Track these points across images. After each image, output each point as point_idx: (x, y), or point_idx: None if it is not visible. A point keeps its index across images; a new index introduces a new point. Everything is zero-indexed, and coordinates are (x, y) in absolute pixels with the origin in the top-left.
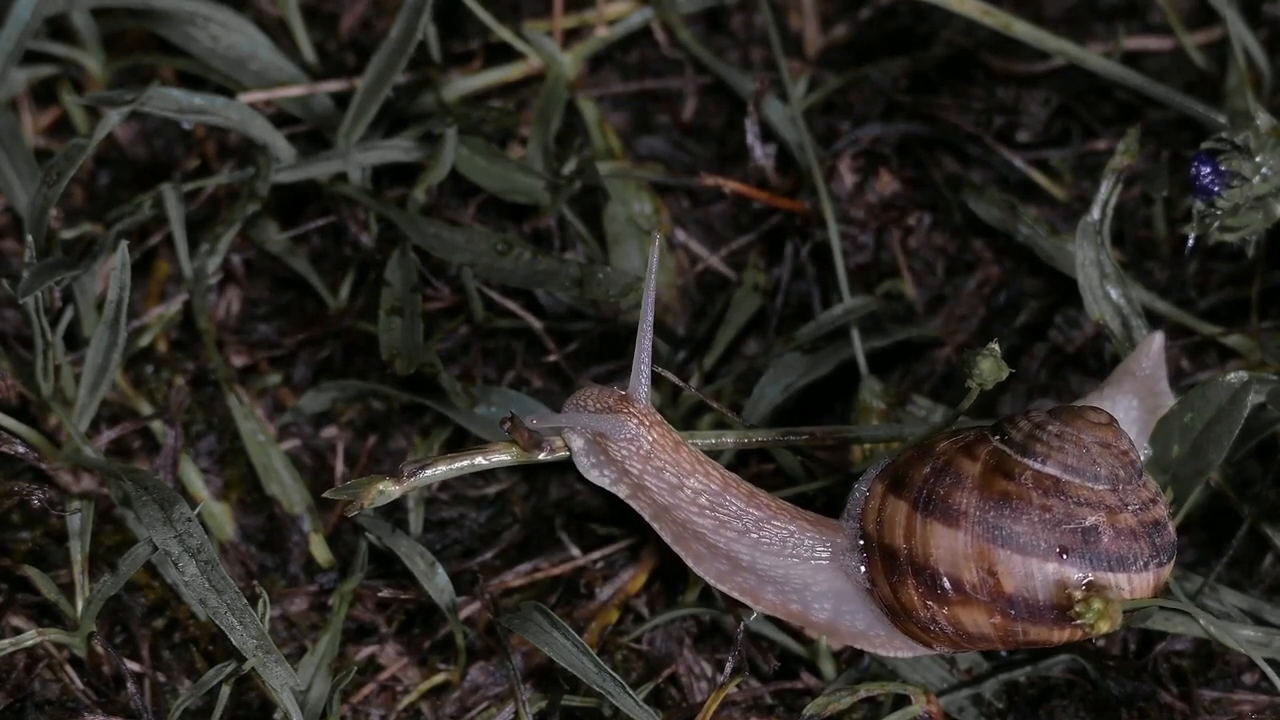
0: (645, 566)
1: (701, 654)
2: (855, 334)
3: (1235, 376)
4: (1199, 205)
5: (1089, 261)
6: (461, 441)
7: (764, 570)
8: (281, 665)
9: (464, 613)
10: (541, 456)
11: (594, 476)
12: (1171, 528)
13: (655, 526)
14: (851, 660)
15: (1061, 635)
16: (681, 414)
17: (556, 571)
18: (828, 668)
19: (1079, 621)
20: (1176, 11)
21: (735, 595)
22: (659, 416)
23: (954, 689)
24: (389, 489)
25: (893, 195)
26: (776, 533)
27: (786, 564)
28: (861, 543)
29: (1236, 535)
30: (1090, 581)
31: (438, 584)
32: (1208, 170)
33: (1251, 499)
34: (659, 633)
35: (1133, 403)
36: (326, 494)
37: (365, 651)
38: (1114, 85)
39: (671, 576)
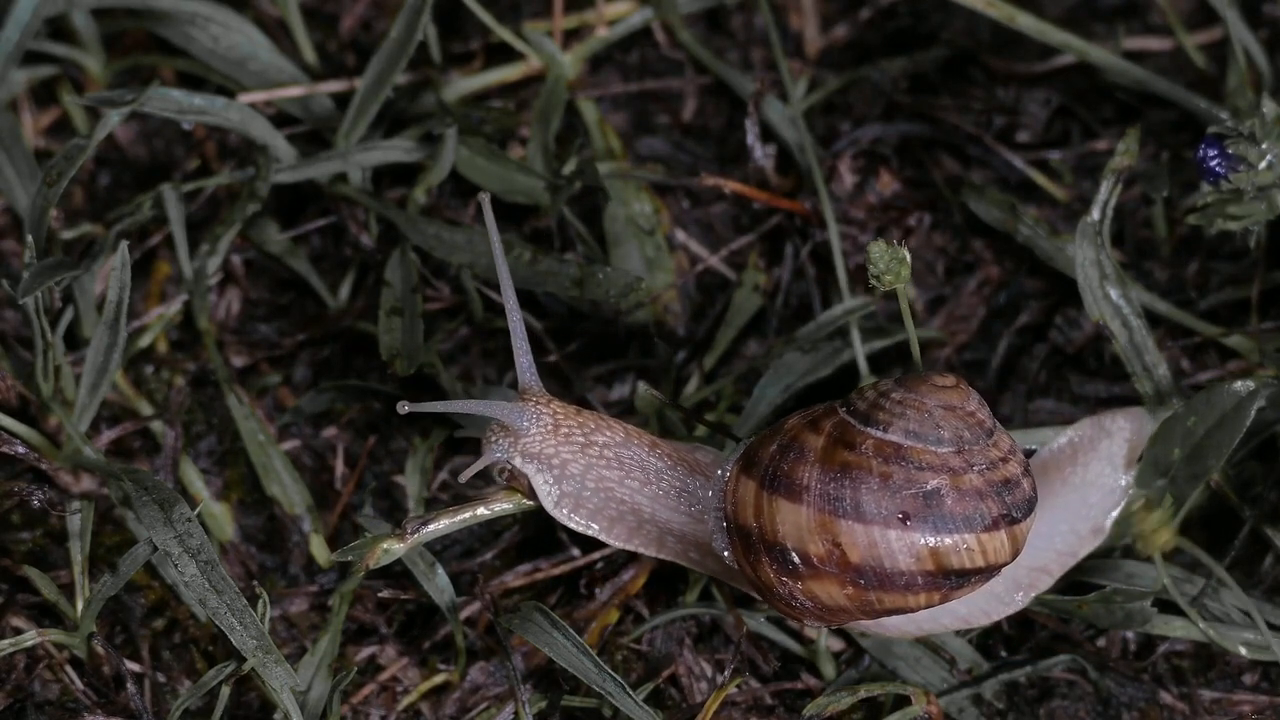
0: (645, 566)
1: (702, 654)
2: (855, 334)
3: (1242, 384)
4: (1205, 189)
5: (1089, 262)
6: (462, 443)
7: (664, 523)
8: (281, 666)
9: (464, 613)
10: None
11: (557, 512)
12: (1027, 484)
13: (606, 537)
14: (852, 661)
15: (918, 600)
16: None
17: (556, 571)
18: (828, 668)
19: None
20: (1176, 11)
21: (641, 550)
22: (552, 397)
23: (954, 689)
24: (393, 547)
25: (893, 195)
26: (673, 484)
27: (682, 520)
28: (725, 525)
29: (1237, 538)
30: (935, 545)
31: (438, 584)
32: (1214, 153)
33: (1252, 501)
34: (659, 633)
35: (1099, 468)
36: (333, 556)
37: (365, 652)
38: (1114, 85)
39: (672, 577)
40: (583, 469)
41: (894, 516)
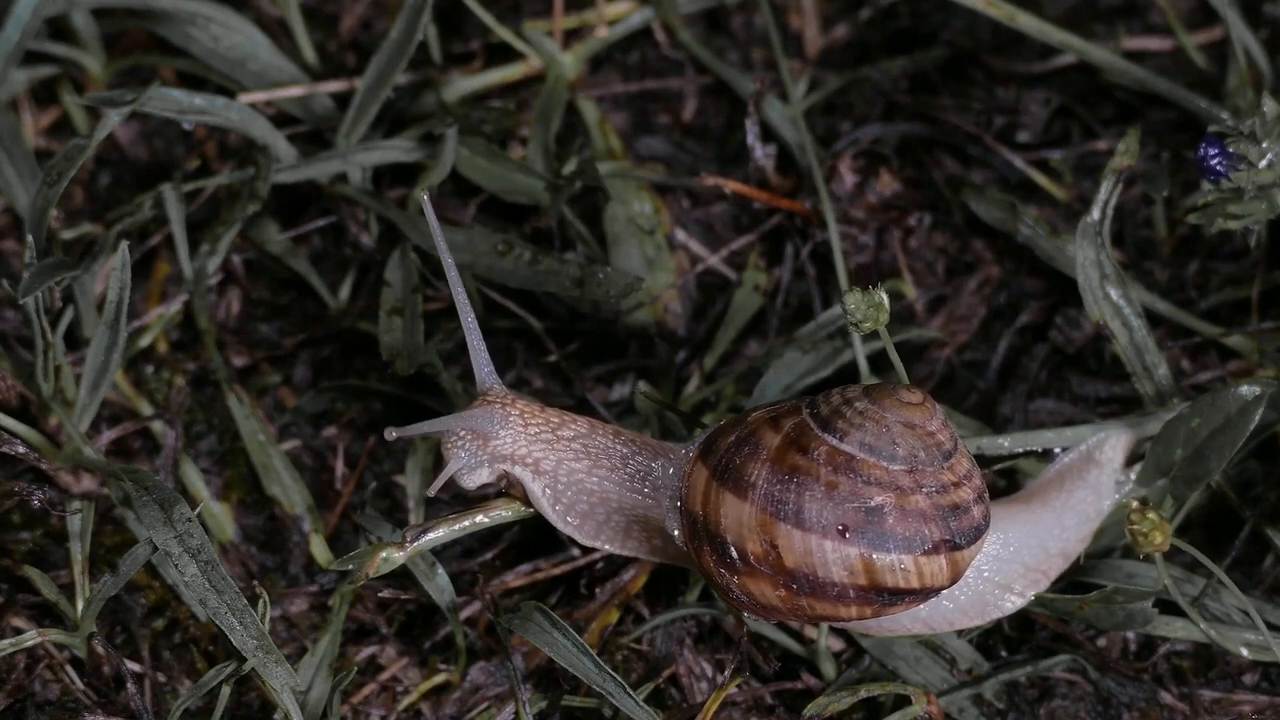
0: (645, 566)
1: (702, 654)
2: (856, 334)
3: (1248, 389)
4: (1206, 187)
5: (1089, 262)
6: None
7: (630, 508)
8: (282, 666)
9: (464, 613)
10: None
11: (542, 505)
12: (977, 511)
13: (578, 535)
14: (852, 661)
15: (849, 612)
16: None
17: (556, 571)
18: (828, 668)
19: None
20: (1176, 11)
21: (609, 548)
22: (515, 394)
23: (954, 689)
24: (393, 556)
25: (893, 195)
26: (639, 467)
27: (647, 505)
28: (679, 506)
29: (1238, 539)
30: (871, 561)
31: (438, 584)
32: (1215, 152)
33: (1252, 501)
34: (659, 633)
35: (1084, 495)
36: (334, 565)
37: (365, 652)
38: (1114, 85)
39: (672, 576)
40: (554, 464)
41: (833, 527)
